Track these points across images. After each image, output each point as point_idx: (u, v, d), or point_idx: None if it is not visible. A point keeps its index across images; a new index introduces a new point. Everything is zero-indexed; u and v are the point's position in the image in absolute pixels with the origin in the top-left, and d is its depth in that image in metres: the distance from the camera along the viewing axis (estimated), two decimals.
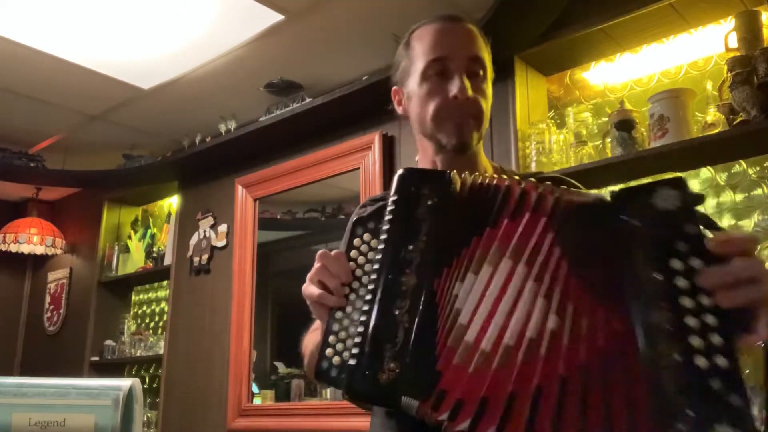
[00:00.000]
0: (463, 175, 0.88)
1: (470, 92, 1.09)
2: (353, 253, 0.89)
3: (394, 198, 0.87)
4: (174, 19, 2.60)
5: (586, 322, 0.74)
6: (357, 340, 0.81)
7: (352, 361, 0.79)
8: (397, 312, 0.80)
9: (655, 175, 2.20)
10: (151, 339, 3.80)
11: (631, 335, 0.71)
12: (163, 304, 3.97)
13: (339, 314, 0.86)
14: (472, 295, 0.79)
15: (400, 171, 0.90)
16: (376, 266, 0.84)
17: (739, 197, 2.06)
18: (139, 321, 4.10)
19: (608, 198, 0.80)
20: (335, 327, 0.86)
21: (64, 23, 2.64)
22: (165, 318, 3.71)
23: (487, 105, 1.13)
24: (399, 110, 1.22)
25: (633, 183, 0.77)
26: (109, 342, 3.91)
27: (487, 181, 0.86)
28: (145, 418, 3.59)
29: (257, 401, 3.13)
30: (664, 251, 0.72)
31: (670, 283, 0.70)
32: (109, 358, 3.87)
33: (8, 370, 4.44)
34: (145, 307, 4.14)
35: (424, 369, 0.77)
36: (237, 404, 3.13)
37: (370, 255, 0.88)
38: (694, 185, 2.14)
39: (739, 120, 1.90)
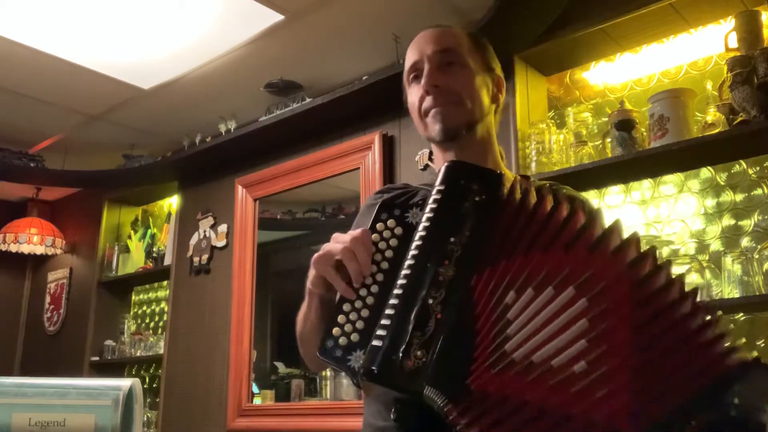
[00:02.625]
0: (514, 179, 0.87)
1: (438, 82, 1.12)
2: (374, 236, 0.88)
3: (441, 188, 0.85)
4: (174, 19, 2.60)
5: (604, 392, 0.72)
6: (383, 321, 0.79)
7: (376, 342, 0.77)
8: (430, 301, 0.78)
9: (655, 177, 2.20)
10: (151, 339, 3.80)
11: None
12: (163, 304, 3.97)
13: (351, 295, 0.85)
14: (528, 310, 0.77)
15: (448, 162, 0.89)
16: (414, 251, 0.82)
17: (739, 197, 2.05)
18: (139, 321, 4.10)
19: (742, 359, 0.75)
20: (346, 307, 0.84)
21: (64, 23, 2.64)
22: (165, 318, 3.71)
23: (471, 90, 1.14)
24: None
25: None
26: (109, 342, 3.91)
27: (547, 194, 0.84)
28: (145, 418, 3.59)
29: (257, 401, 3.13)
30: None
31: None
32: (109, 358, 3.87)
33: (8, 370, 4.44)
34: (145, 307, 4.14)
35: (455, 365, 0.75)
36: (237, 404, 3.13)
37: (392, 242, 0.87)
38: (694, 185, 2.14)
39: (739, 120, 1.90)
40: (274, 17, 2.56)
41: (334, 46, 2.79)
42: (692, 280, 1.98)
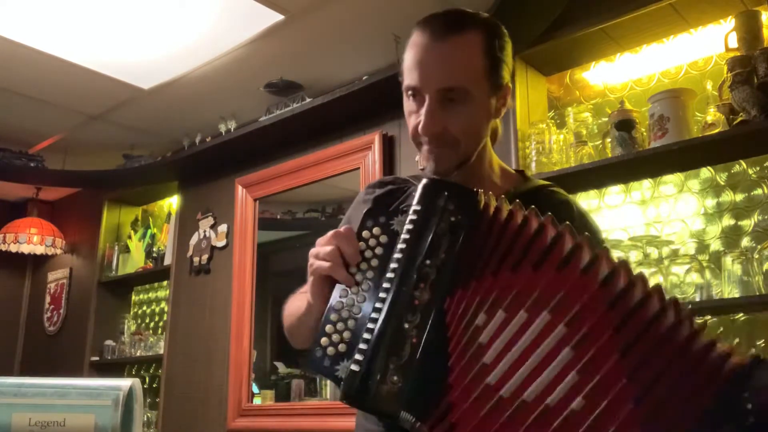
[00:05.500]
0: (487, 197, 0.86)
1: (436, 125, 1.03)
2: (360, 244, 0.89)
3: (417, 208, 0.86)
4: (174, 19, 2.60)
5: (614, 428, 0.70)
6: (361, 346, 0.80)
7: (354, 367, 0.79)
8: (406, 325, 0.80)
9: (655, 177, 2.20)
10: (151, 339, 3.80)
11: None
12: (163, 304, 3.97)
13: (338, 305, 0.86)
14: (503, 336, 0.76)
15: (425, 180, 0.88)
16: (390, 274, 0.83)
17: (739, 197, 2.05)
18: (139, 321, 4.10)
19: (735, 361, 0.71)
20: (333, 317, 0.85)
21: (64, 23, 2.64)
22: (165, 318, 3.71)
23: (469, 130, 1.06)
24: None
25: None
26: (109, 342, 3.91)
27: (517, 210, 0.84)
28: (145, 418, 3.59)
29: (257, 401, 3.13)
30: None
31: None
32: (109, 358, 3.87)
33: (8, 370, 4.44)
34: (145, 307, 4.13)
35: (429, 390, 0.77)
36: (237, 404, 3.13)
37: (378, 250, 0.88)
38: (694, 185, 2.14)
39: (739, 120, 1.90)
40: (274, 17, 2.56)
41: (334, 46, 2.79)
42: (692, 279, 1.98)
